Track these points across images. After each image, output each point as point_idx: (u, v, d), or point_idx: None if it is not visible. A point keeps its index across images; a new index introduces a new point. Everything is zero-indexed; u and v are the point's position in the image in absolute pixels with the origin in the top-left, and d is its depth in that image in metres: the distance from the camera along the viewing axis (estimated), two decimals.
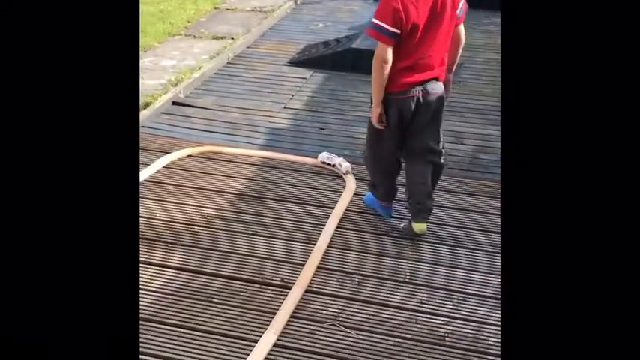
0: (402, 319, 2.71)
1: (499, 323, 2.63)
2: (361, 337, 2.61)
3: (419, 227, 3.17)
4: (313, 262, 2.99)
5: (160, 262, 3.01)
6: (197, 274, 2.95)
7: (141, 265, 2.91)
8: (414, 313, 2.75)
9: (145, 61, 5.66)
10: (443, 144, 3.17)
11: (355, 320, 2.70)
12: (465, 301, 2.82)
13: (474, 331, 2.66)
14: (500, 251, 2.66)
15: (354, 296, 2.84)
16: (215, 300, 2.79)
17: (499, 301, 2.72)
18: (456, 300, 2.83)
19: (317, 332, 2.63)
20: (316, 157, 3.91)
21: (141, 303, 2.63)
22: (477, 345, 2.59)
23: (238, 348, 2.54)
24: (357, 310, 2.76)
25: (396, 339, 2.61)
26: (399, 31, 2.81)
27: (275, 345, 2.55)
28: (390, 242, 3.20)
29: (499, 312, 2.68)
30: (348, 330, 2.64)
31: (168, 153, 3.96)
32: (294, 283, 2.86)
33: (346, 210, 3.44)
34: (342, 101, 5.00)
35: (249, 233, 3.25)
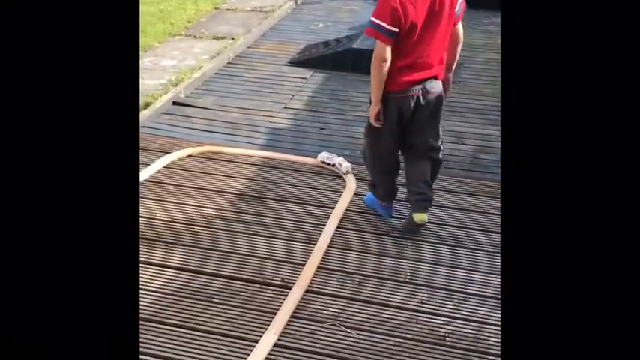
0: (403, 319, 2.71)
1: (500, 323, 2.63)
2: (362, 337, 2.61)
3: (419, 217, 3.17)
4: (314, 262, 2.99)
5: (160, 262, 3.01)
6: (197, 274, 2.95)
7: (141, 265, 2.91)
8: (415, 313, 2.74)
9: (146, 61, 5.66)
10: (442, 140, 3.19)
11: (356, 320, 2.70)
12: (466, 301, 2.82)
13: (475, 331, 2.66)
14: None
15: (355, 296, 2.84)
16: (215, 300, 2.79)
17: (500, 301, 2.72)
18: (456, 300, 2.83)
19: (317, 332, 2.63)
20: (316, 157, 3.91)
21: (141, 303, 2.63)
22: (478, 345, 2.59)
23: (239, 348, 2.54)
24: (357, 310, 2.75)
25: (397, 339, 2.61)
26: (397, 30, 2.82)
27: (275, 345, 2.55)
28: (391, 242, 3.20)
29: (500, 312, 2.67)
30: (348, 330, 2.64)
31: (168, 153, 3.96)
32: (294, 283, 2.86)
33: (347, 210, 3.44)
34: (342, 101, 5.00)
35: (249, 233, 3.25)
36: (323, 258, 3.05)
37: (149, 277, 2.90)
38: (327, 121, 4.70)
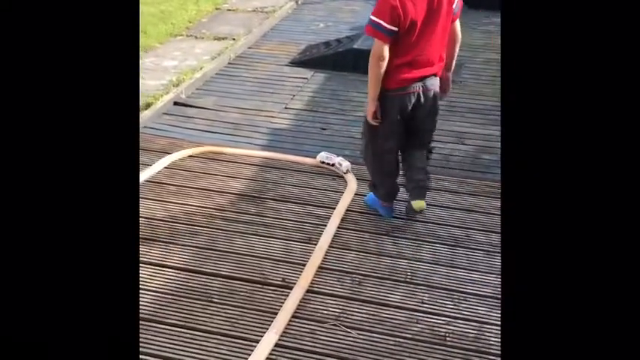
0: (403, 319, 2.71)
1: (500, 323, 2.62)
2: (362, 337, 2.61)
3: (418, 204, 3.18)
4: (314, 262, 2.99)
5: (160, 262, 3.02)
6: (197, 274, 2.95)
7: (141, 265, 2.91)
8: (415, 313, 2.74)
9: (147, 62, 5.67)
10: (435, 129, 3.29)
11: (356, 320, 2.70)
12: (466, 301, 2.82)
13: (475, 331, 2.66)
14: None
15: (355, 296, 2.84)
16: (215, 300, 2.79)
17: (500, 301, 2.72)
18: (457, 300, 2.83)
19: (318, 332, 2.63)
20: (316, 157, 3.91)
21: (141, 303, 2.63)
22: (478, 345, 2.59)
23: (239, 348, 2.54)
24: (357, 310, 2.75)
25: (397, 339, 2.61)
26: (396, 29, 2.83)
27: (276, 345, 2.55)
28: (391, 242, 3.20)
29: (500, 312, 2.67)
30: (349, 330, 2.64)
31: (169, 153, 3.96)
32: (295, 283, 2.86)
33: (347, 210, 3.44)
34: (343, 101, 5.00)
35: (249, 233, 3.25)
36: (323, 258, 3.05)
37: (149, 277, 2.90)
38: (327, 122, 4.70)
